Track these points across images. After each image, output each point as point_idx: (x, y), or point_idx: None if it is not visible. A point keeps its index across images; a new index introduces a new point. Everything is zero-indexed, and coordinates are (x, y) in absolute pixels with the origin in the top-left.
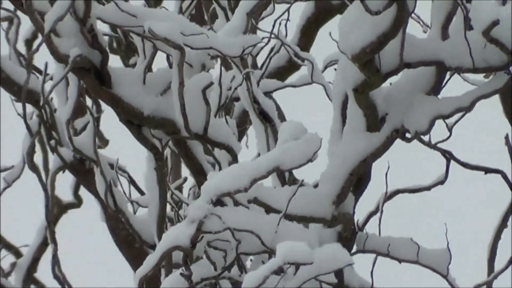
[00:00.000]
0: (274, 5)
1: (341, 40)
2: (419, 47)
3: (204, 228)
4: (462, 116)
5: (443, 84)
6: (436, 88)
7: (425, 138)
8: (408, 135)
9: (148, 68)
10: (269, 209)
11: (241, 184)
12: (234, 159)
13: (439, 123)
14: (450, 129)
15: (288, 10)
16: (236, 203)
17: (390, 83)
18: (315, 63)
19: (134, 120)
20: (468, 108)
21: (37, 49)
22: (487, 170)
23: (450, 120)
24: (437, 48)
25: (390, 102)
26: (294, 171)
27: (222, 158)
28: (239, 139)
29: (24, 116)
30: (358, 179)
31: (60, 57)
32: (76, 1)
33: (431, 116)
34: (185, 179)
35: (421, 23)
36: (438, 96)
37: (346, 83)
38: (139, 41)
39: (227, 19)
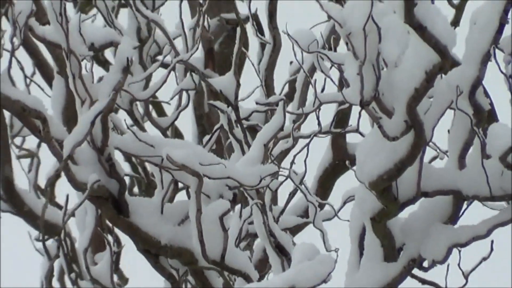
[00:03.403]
0: (293, 140)
1: (359, 169)
2: (437, 176)
3: None
4: (479, 263)
5: (461, 213)
6: (453, 217)
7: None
8: (425, 265)
9: (167, 198)
10: None
11: None
12: None
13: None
14: (466, 277)
15: (307, 146)
16: None
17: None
18: (318, 209)
19: (151, 249)
20: (485, 236)
21: (56, 174)
22: None
23: (467, 268)
24: (454, 177)
25: (407, 232)
26: None
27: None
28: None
29: (44, 248)
30: None
31: (77, 185)
32: (93, 130)
33: (448, 245)
34: None
35: (438, 150)
36: (455, 224)
37: (364, 213)
38: (156, 171)
39: (243, 152)
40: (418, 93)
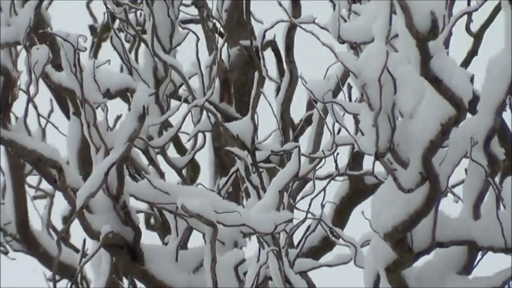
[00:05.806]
0: (314, 185)
1: (373, 219)
2: (451, 226)
3: None
4: None
5: (475, 263)
6: (467, 267)
7: None
8: None
9: (182, 245)
10: None
11: None
12: None
13: None
14: None
15: (324, 189)
16: None
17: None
18: (359, 247)
19: None
20: None
21: (68, 226)
22: None
23: None
24: (469, 227)
25: (422, 281)
26: None
27: None
28: None
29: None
30: None
31: (92, 234)
32: (109, 178)
33: None
34: None
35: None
36: (470, 274)
37: (378, 262)
38: (171, 218)
39: (259, 197)
40: (433, 145)
